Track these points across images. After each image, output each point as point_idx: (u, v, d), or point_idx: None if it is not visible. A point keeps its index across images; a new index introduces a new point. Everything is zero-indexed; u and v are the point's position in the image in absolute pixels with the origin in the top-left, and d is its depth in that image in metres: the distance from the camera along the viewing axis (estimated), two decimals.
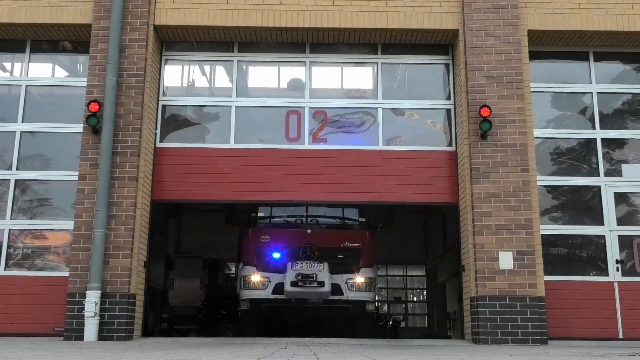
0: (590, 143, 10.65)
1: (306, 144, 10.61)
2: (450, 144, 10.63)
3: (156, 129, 10.51)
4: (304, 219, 11.98)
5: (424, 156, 10.54)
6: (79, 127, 10.16)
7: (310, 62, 10.93)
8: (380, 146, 10.59)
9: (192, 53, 11.00)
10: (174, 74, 11.10)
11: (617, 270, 10.10)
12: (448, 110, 10.77)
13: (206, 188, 10.34)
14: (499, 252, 9.52)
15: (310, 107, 10.75)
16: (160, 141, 10.55)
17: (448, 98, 10.82)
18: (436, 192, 10.44)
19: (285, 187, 10.37)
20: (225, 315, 18.03)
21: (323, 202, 10.56)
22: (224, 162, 10.43)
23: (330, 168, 10.45)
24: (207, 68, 11.28)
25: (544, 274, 9.75)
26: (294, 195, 10.43)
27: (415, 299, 24.40)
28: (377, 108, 10.77)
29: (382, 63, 10.91)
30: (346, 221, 12.12)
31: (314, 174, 10.42)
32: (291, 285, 10.90)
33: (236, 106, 10.72)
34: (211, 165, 10.41)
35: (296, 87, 10.97)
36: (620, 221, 10.33)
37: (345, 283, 11.28)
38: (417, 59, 10.92)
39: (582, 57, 10.97)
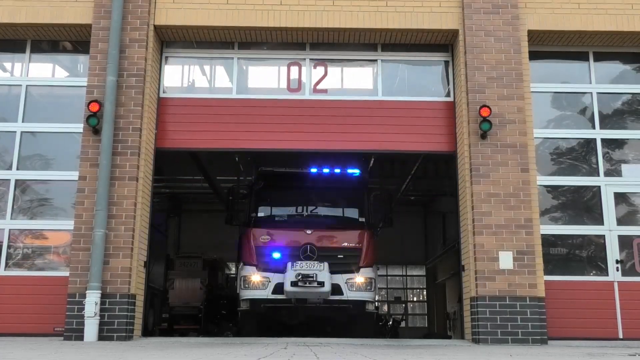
0: (590, 143, 10.65)
1: (307, 95, 10.77)
2: (448, 95, 10.75)
3: (159, 79, 10.68)
4: (305, 212, 12.00)
5: (422, 106, 10.71)
6: (79, 127, 10.15)
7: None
8: (380, 97, 10.72)
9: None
10: (174, 73, 11.11)
11: (617, 270, 10.10)
12: (446, 62, 10.90)
13: (209, 137, 10.52)
14: (499, 252, 9.52)
15: (311, 59, 10.91)
16: (164, 92, 10.71)
17: (446, 51, 10.94)
18: (434, 140, 10.62)
19: (286, 136, 10.55)
20: (225, 315, 18.05)
21: (322, 150, 10.74)
22: (226, 112, 10.60)
23: (331, 118, 10.62)
24: (207, 68, 11.30)
25: (544, 274, 9.74)
26: (294, 144, 10.60)
27: (415, 299, 24.42)
28: (376, 60, 10.90)
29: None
30: (346, 221, 12.12)
31: (314, 123, 10.59)
32: (291, 285, 10.89)
33: (238, 58, 10.87)
34: (214, 115, 10.58)
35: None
36: (620, 221, 10.33)
37: (345, 283, 11.26)
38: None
39: (581, 57, 10.97)
